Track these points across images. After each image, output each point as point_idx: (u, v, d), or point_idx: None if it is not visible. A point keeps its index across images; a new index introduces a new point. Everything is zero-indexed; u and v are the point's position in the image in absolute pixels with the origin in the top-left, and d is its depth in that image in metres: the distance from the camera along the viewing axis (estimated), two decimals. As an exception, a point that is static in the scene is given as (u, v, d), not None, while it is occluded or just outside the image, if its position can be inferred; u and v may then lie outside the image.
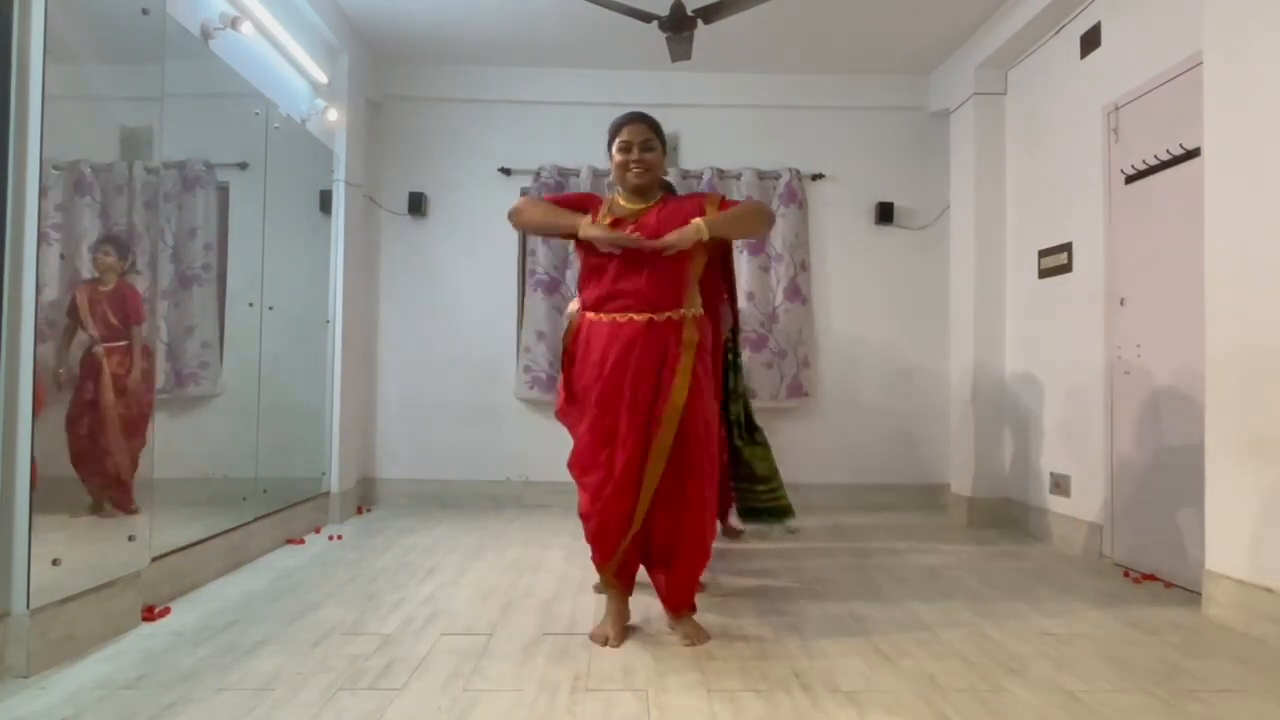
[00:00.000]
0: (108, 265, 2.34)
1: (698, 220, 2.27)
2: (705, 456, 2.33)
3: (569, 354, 2.47)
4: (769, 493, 3.17)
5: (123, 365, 2.35)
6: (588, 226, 2.30)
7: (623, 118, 2.42)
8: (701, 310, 2.40)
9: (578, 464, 2.39)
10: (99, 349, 2.30)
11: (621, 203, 2.43)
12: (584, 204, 2.46)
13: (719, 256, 2.93)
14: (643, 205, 2.40)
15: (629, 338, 2.28)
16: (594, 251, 2.35)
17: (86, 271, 2.29)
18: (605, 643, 2.29)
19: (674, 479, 2.29)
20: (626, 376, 2.27)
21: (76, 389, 2.24)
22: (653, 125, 2.41)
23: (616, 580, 2.38)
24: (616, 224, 2.34)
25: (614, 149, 2.41)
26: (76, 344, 2.24)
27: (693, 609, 2.40)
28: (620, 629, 2.34)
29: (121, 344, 2.35)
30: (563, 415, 2.62)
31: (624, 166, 2.38)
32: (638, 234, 2.28)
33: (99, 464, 2.31)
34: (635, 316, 2.29)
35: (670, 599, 2.38)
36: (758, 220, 2.39)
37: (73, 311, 2.23)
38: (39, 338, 2.07)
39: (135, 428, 2.41)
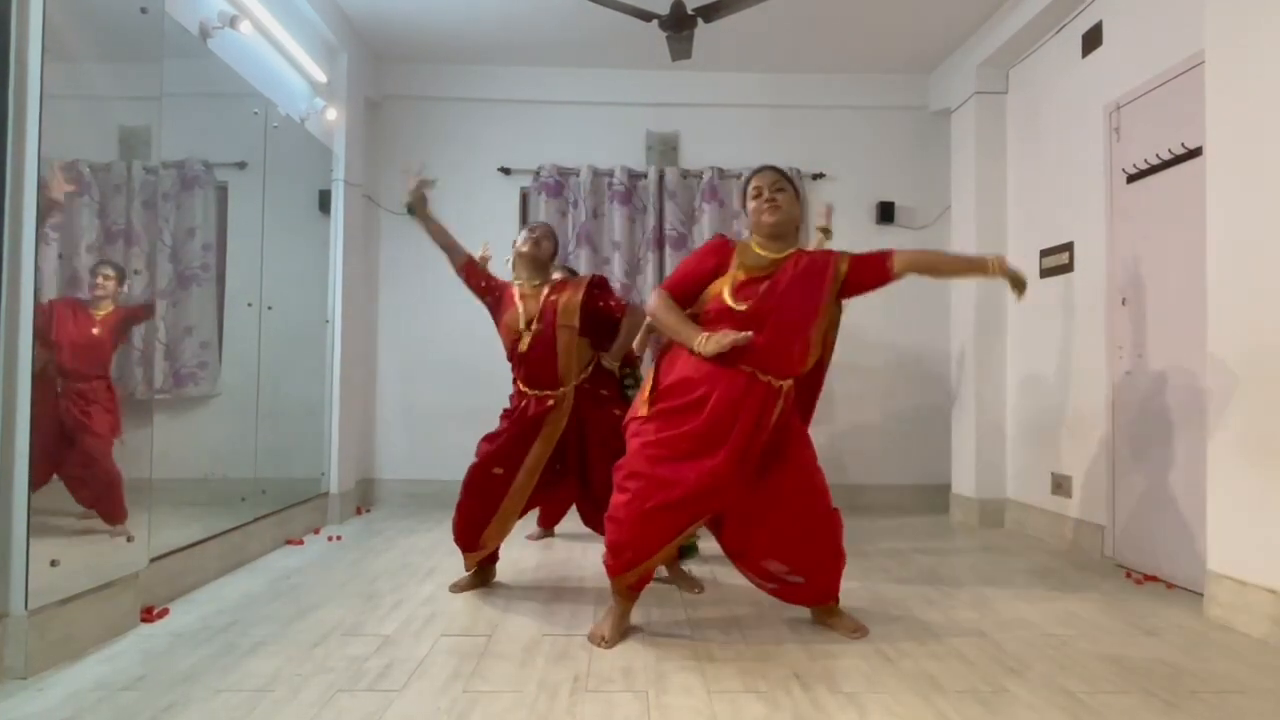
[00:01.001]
0: (108, 290, 2.33)
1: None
2: (817, 490, 2.40)
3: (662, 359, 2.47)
4: None
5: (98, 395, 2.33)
6: (702, 344, 2.27)
7: (753, 169, 2.50)
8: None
9: (626, 466, 2.34)
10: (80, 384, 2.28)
11: (756, 250, 2.41)
12: (717, 257, 2.41)
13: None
14: (778, 255, 2.39)
15: (733, 383, 2.27)
16: (718, 302, 2.34)
17: (85, 289, 2.27)
18: (600, 643, 2.29)
19: (794, 518, 2.35)
20: (726, 421, 2.26)
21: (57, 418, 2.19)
22: (781, 173, 2.47)
23: (628, 590, 2.38)
24: (750, 282, 2.33)
25: (748, 199, 2.46)
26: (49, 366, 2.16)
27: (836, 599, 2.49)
28: (618, 632, 2.34)
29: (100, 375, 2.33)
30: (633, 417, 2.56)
31: (759, 209, 2.41)
32: (747, 333, 2.24)
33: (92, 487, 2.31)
34: (743, 367, 2.29)
35: (818, 599, 2.47)
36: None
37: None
38: (37, 338, 2.06)
39: (110, 439, 2.38)
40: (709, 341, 2.25)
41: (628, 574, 2.33)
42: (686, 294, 2.40)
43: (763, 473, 2.34)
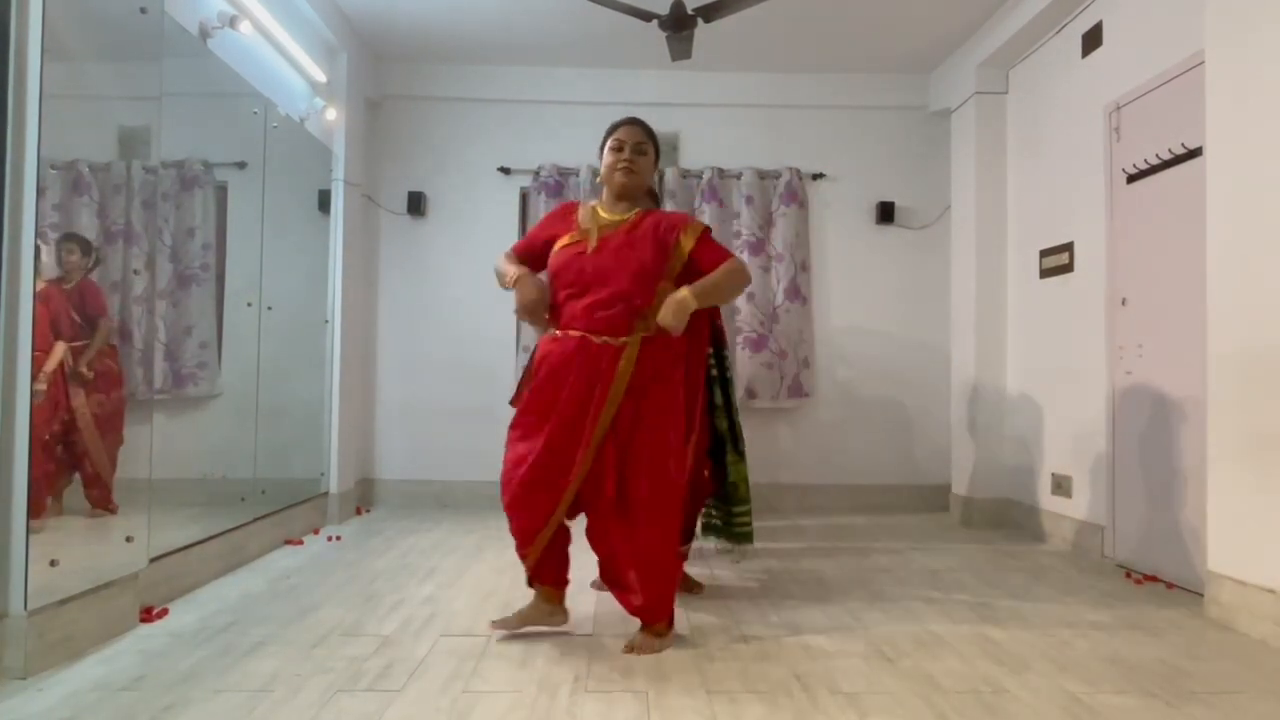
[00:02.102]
0: (73, 264, 2.31)
1: (685, 294, 2.20)
2: (658, 486, 2.25)
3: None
4: (742, 516, 2.93)
5: (86, 363, 2.31)
6: (508, 280, 2.33)
7: (619, 120, 2.43)
8: (652, 332, 2.28)
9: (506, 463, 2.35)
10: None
11: (601, 212, 2.40)
12: (563, 224, 2.43)
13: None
14: (619, 217, 2.37)
15: (565, 353, 2.27)
16: (557, 268, 2.35)
17: (51, 271, 2.23)
18: (492, 627, 2.31)
19: (623, 509, 2.24)
20: (560, 392, 2.24)
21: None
22: (647, 131, 2.43)
23: (532, 572, 2.36)
24: (581, 241, 2.34)
25: (606, 148, 2.41)
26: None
27: (668, 624, 2.33)
28: (522, 618, 2.32)
29: (82, 343, 2.31)
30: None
31: (613, 166, 2.37)
32: (538, 326, 2.34)
33: (76, 464, 2.31)
34: (572, 333, 2.28)
35: (643, 614, 2.31)
36: (737, 286, 2.34)
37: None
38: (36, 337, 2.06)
39: (109, 425, 2.39)
40: (525, 288, 2.29)
41: (527, 558, 2.33)
42: (530, 256, 2.44)
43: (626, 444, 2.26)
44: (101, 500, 2.36)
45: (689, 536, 2.95)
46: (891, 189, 4.85)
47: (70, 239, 2.30)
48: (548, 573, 2.37)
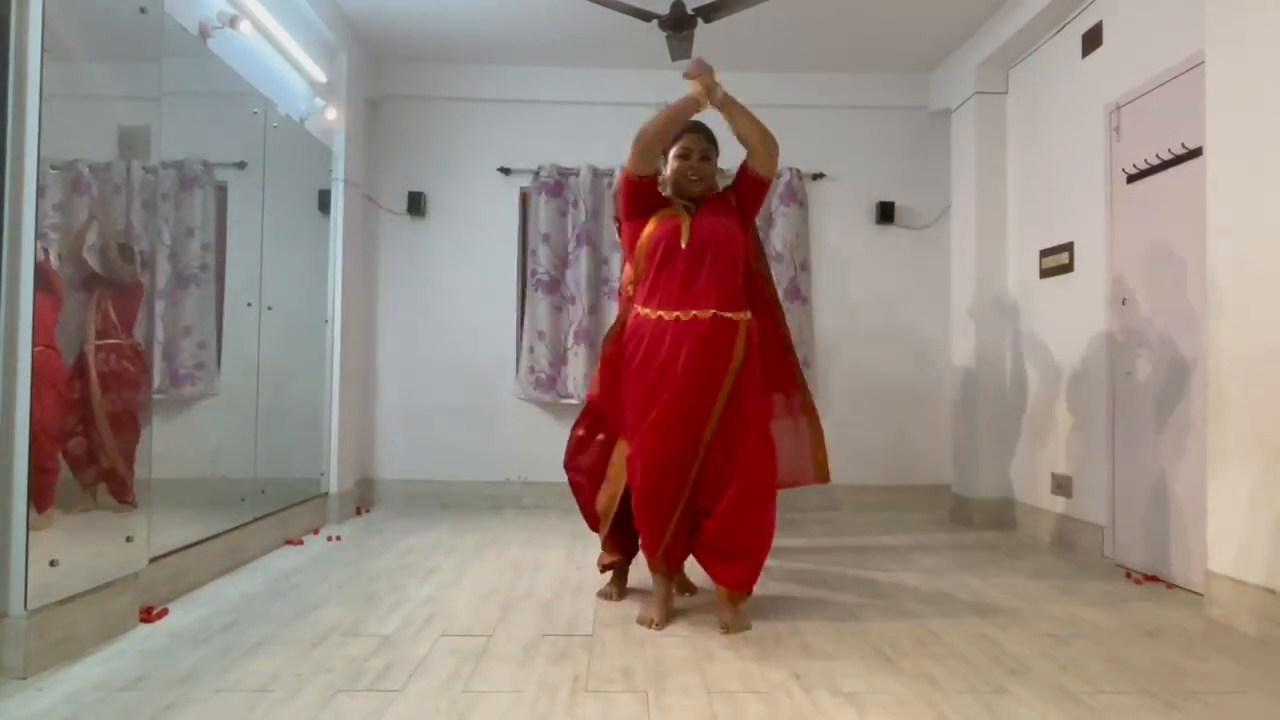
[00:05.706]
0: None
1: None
2: (760, 444, 2.43)
3: (617, 351, 2.56)
4: None
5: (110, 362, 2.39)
6: (700, 91, 2.53)
7: (691, 124, 2.58)
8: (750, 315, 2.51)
9: (641, 454, 2.43)
10: (89, 347, 2.32)
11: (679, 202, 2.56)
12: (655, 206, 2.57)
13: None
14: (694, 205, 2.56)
15: (701, 334, 2.38)
16: (661, 252, 2.45)
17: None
18: (650, 625, 2.40)
19: (726, 465, 2.40)
20: (696, 373, 2.36)
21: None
22: (710, 137, 2.61)
23: (665, 564, 2.49)
24: (674, 223, 2.48)
25: (671, 154, 2.55)
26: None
27: (747, 592, 2.47)
28: (665, 612, 2.47)
29: (113, 342, 2.36)
30: (601, 405, 2.68)
31: (683, 173, 2.54)
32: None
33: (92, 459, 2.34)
34: (699, 314, 2.39)
35: (734, 582, 2.44)
36: (767, 139, 2.63)
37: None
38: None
39: (125, 422, 2.42)
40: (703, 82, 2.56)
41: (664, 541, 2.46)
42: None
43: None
44: (119, 493, 2.39)
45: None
46: (891, 189, 4.85)
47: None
48: (677, 556, 2.54)
